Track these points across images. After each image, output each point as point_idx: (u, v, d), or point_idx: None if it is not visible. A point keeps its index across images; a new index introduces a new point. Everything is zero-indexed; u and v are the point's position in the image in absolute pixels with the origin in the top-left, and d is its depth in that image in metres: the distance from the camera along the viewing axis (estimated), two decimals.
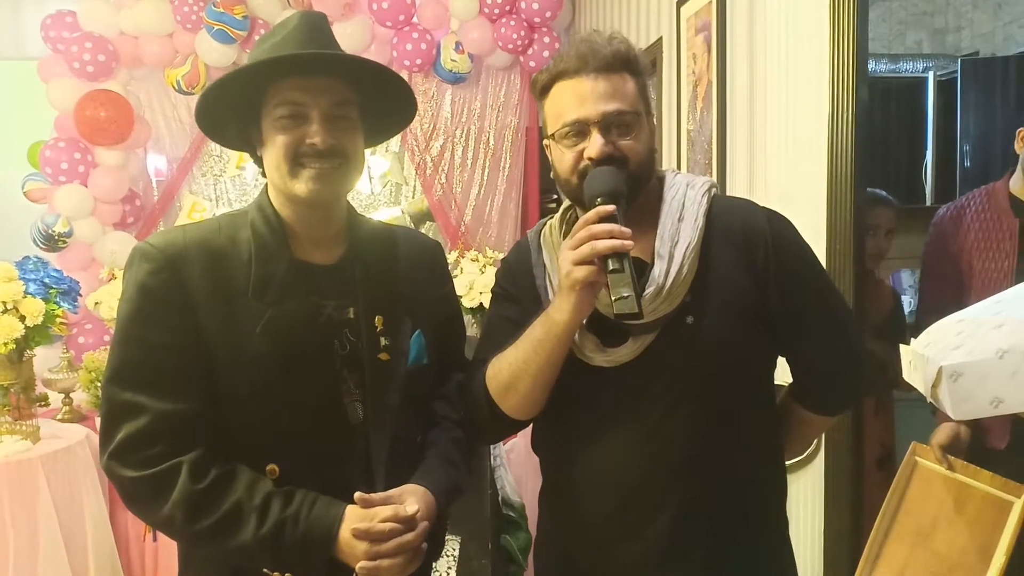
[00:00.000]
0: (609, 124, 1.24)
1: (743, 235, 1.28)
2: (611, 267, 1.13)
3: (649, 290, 1.21)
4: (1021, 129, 2.25)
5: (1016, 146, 2.28)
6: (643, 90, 1.30)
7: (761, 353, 1.31)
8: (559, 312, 1.20)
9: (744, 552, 1.28)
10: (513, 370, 1.26)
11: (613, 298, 1.12)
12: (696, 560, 1.26)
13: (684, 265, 1.23)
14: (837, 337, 1.33)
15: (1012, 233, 2.24)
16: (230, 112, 1.28)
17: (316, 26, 1.26)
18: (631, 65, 1.28)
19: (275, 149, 1.24)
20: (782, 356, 1.35)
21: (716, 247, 1.27)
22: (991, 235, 2.28)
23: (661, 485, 1.25)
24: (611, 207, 1.17)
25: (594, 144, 1.23)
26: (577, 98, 1.25)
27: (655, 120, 1.39)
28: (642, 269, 1.24)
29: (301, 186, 1.23)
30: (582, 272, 1.15)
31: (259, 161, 1.31)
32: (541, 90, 1.31)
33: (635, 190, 1.26)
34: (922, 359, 1.35)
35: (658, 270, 1.23)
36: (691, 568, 1.26)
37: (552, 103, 1.29)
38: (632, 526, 1.27)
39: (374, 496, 1.20)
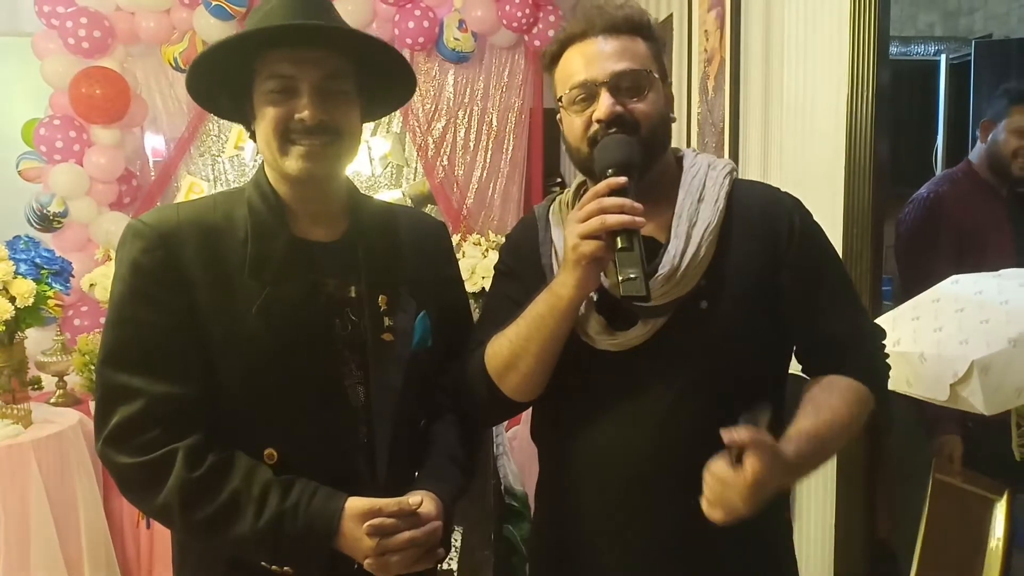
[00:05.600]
0: (618, 84, 1.18)
1: (764, 220, 1.24)
2: (620, 245, 1.08)
3: (663, 271, 1.16)
4: (985, 121, 2.42)
5: (980, 136, 2.44)
6: (657, 55, 1.24)
7: (774, 344, 1.25)
8: (563, 287, 1.14)
9: (744, 549, 1.23)
10: (514, 348, 1.21)
11: (620, 278, 1.07)
12: (697, 555, 1.22)
13: (702, 247, 1.18)
14: (850, 317, 1.27)
15: (1004, 222, 2.29)
16: (221, 84, 1.23)
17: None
18: (642, 29, 1.23)
19: (265, 124, 1.19)
20: (794, 341, 1.29)
21: (735, 232, 1.22)
22: (985, 222, 2.30)
23: (664, 476, 1.21)
24: (623, 179, 1.11)
25: (603, 104, 1.18)
26: (585, 59, 1.20)
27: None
28: (654, 249, 1.18)
29: (291, 163, 1.18)
30: (589, 247, 1.09)
31: (254, 136, 1.25)
32: (551, 60, 1.26)
33: (648, 159, 1.20)
34: (914, 358, 1.34)
35: (673, 250, 1.18)
36: (691, 562, 1.23)
37: (561, 70, 1.24)
38: (632, 518, 1.23)
39: (385, 502, 1.15)
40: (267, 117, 1.18)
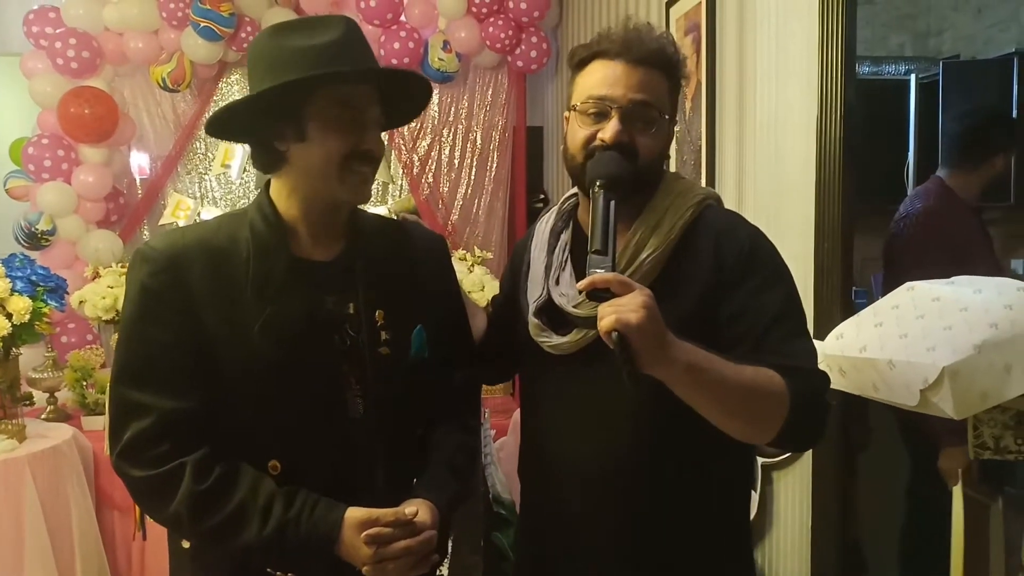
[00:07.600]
0: (631, 114, 1.25)
1: (716, 244, 1.27)
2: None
3: None
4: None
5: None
6: (673, 94, 1.31)
7: None
8: None
9: (693, 553, 1.29)
10: None
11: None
12: (644, 562, 1.27)
13: (641, 270, 1.24)
14: (792, 355, 1.21)
15: (983, 234, 2.35)
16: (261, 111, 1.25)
17: (359, 36, 1.29)
18: (670, 68, 1.29)
19: (324, 150, 1.23)
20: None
21: (686, 258, 1.27)
22: (970, 235, 2.36)
23: (606, 477, 1.28)
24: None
25: (610, 128, 1.24)
26: (611, 77, 1.26)
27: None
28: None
29: (347, 191, 1.26)
30: None
31: (270, 153, 1.26)
32: (578, 63, 1.32)
33: (638, 185, 1.27)
34: (882, 365, 1.37)
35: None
36: (638, 559, 1.28)
37: (585, 76, 1.31)
38: (580, 514, 1.30)
39: (382, 512, 1.20)
40: (330, 145, 1.22)
